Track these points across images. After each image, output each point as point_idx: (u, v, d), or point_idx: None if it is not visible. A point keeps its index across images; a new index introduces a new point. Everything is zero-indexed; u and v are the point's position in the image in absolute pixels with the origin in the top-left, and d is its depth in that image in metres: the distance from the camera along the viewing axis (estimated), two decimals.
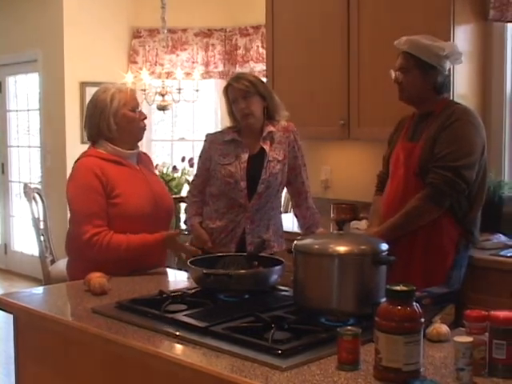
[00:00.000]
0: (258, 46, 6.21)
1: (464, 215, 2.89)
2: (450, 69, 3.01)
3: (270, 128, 3.24)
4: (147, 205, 2.80)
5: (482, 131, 2.93)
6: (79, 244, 2.73)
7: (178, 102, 5.70)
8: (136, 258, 2.74)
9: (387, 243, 2.17)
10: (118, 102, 2.80)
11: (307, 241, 2.20)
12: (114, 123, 2.80)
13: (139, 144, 2.98)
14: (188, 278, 2.66)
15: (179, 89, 5.61)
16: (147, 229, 2.78)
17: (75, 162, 2.86)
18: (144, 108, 2.95)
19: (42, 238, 4.98)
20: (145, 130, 2.92)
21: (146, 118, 2.92)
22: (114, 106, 2.79)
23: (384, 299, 1.69)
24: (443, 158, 2.82)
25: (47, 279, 4.80)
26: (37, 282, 6.39)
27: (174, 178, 5.64)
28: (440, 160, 2.82)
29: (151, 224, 2.80)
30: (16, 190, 7.61)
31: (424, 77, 2.91)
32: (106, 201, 2.73)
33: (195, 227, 3.31)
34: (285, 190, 3.39)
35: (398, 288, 1.66)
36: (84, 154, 2.87)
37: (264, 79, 3.79)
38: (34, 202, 5.05)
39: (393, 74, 2.97)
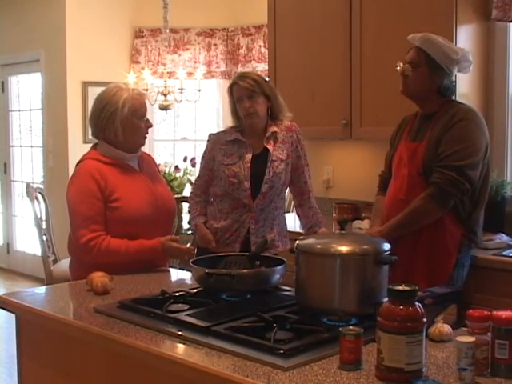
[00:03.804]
0: (260, 46, 6.22)
1: (467, 215, 2.89)
2: (456, 75, 3.01)
3: (274, 128, 3.24)
4: (147, 207, 2.80)
5: (486, 131, 2.92)
6: (76, 247, 2.75)
7: (180, 101, 5.71)
8: (136, 262, 2.74)
9: (390, 243, 2.17)
10: (128, 109, 2.78)
11: (309, 240, 2.20)
12: (120, 129, 2.80)
13: None
14: (190, 278, 2.66)
15: (181, 88, 5.62)
16: (148, 231, 2.78)
17: (76, 165, 2.87)
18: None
19: (44, 237, 4.98)
20: (146, 137, 2.91)
21: (151, 126, 2.91)
22: (124, 112, 2.78)
23: (386, 299, 1.69)
24: (447, 157, 2.81)
25: (49, 279, 4.80)
26: (39, 281, 6.40)
27: (176, 178, 5.64)
28: (444, 160, 2.82)
29: (152, 226, 2.80)
30: (18, 189, 7.62)
31: (431, 76, 2.90)
32: (104, 205, 2.74)
33: (199, 227, 3.31)
34: (287, 189, 3.40)
35: (400, 288, 1.66)
36: (85, 157, 2.88)
37: (266, 79, 3.79)
38: (36, 201, 5.05)
39: (400, 65, 2.97)
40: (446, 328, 1.91)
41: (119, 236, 2.73)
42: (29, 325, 2.42)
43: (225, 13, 6.52)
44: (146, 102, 2.94)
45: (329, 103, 4.10)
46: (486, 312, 1.73)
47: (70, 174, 2.89)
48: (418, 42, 2.93)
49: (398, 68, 2.98)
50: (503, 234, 3.36)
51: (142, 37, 6.68)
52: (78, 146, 6.21)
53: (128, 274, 2.70)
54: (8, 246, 7.77)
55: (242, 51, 6.38)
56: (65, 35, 6.43)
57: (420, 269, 2.86)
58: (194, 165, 5.69)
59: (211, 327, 1.94)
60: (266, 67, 4.87)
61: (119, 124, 2.78)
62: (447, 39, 3.02)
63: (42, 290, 2.82)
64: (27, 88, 7.48)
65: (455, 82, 3.02)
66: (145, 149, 3.11)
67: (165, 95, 5.66)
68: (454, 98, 3.07)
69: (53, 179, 6.75)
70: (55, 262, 4.99)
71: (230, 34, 6.55)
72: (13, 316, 2.49)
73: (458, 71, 3.02)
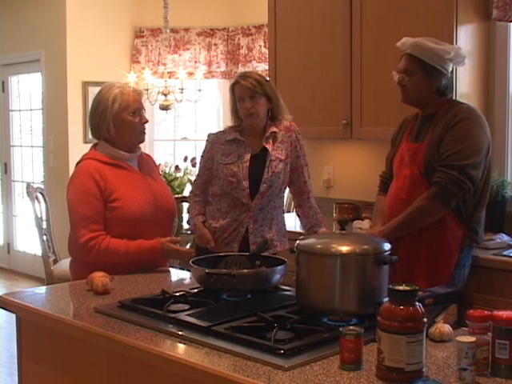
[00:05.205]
0: (260, 46, 6.21)
1: (469, 215, 2.88)
2: (452, 70, 3.00)
3: (273, 128, 3.24)
4: (147, 208, 2.79)
5: (487, 130, 2.91)
6: (76, 247, 2.75)
7: (181, 101, 5.70)
8: (135, 262, 2.74)
9: (391, 243, 2.17)
10: (118, 105, 2.78)
11: (309, 240, 2.20)
12: (112, 126, 2.80)
13: (141, 144, 2.97)
14: (190, 278, 2.66)
15: (182, 88, 5.61)
16: (147, 231, 2.78)
17: (76, 165, 2.87)
18: (146, 108, 2.94)
19: (44, 237, 4.98)
20: (144, 133, 2.90)
21: (146, 121, 2.89)
22: (114, 109, 2.78)
23: (386, 299, 1.69)
24: (449, 157, 2.80)
25: (50, 279, 4.80)
26: (39, 281, 6.40)
27: (176, 178, 5.64)
28: (446, 159, 2.81)
29: (151, 226, 2.79)
30: (19, 189, 7.62)
31: (429, 80, 2.89)
32: (103, 205, 2.74)
33: (198, 226, 3.31)
34: (287, 189, 3.39)
35: (400, 288, 1.65)
36: (84, 157, 2.87)
37: (267, 79, 3.79)
38: (36, 201, 5.05)
39: (396, 75, 2.96)
40: (447, 328, 1.91)
41: (119, 236, 2.73)
42: (29, 325, 2.42)
43: (225, 13, 6.52)
44: (146, 101, 2.94)
45: (329, 103, 4.10)
46: (486, 312, 1.73)
47: (71, 173, 2.89)
48: (409, 49, 2.92)
49: (394, 78, 2.96)
50: (504, 234, 3.36)
51: (143, 37, 6.68)
52: (78, 146, 6.21)
53: (128, 274, 2.70)
54: (8, 245, 7.77)
55: (243, 51, 6.38)
56: (65, 35, 6.43)
57: (421, 268, 2.86)
58: (194, 165, 5.68)
59: (211, 327, 1.94)
60: (267, 67, 4.87)
61: (111, 121, 2.79)
62: (442, 40, 3.00)
63: (42, 289, 2.82)
64: (27, 88, 7.48)
65: (452, 76, 3.00)
66: (145, 149, 3.11)
67: (165, 95, 5.66)
68: (454, 97, 3.07)
69: (53, 179, 6.75)
70: (55, 261, 4.99)
71: (230, 33, 6.55)
72: (13, 316, 2.49)
73: (454, 65, 3.01)
